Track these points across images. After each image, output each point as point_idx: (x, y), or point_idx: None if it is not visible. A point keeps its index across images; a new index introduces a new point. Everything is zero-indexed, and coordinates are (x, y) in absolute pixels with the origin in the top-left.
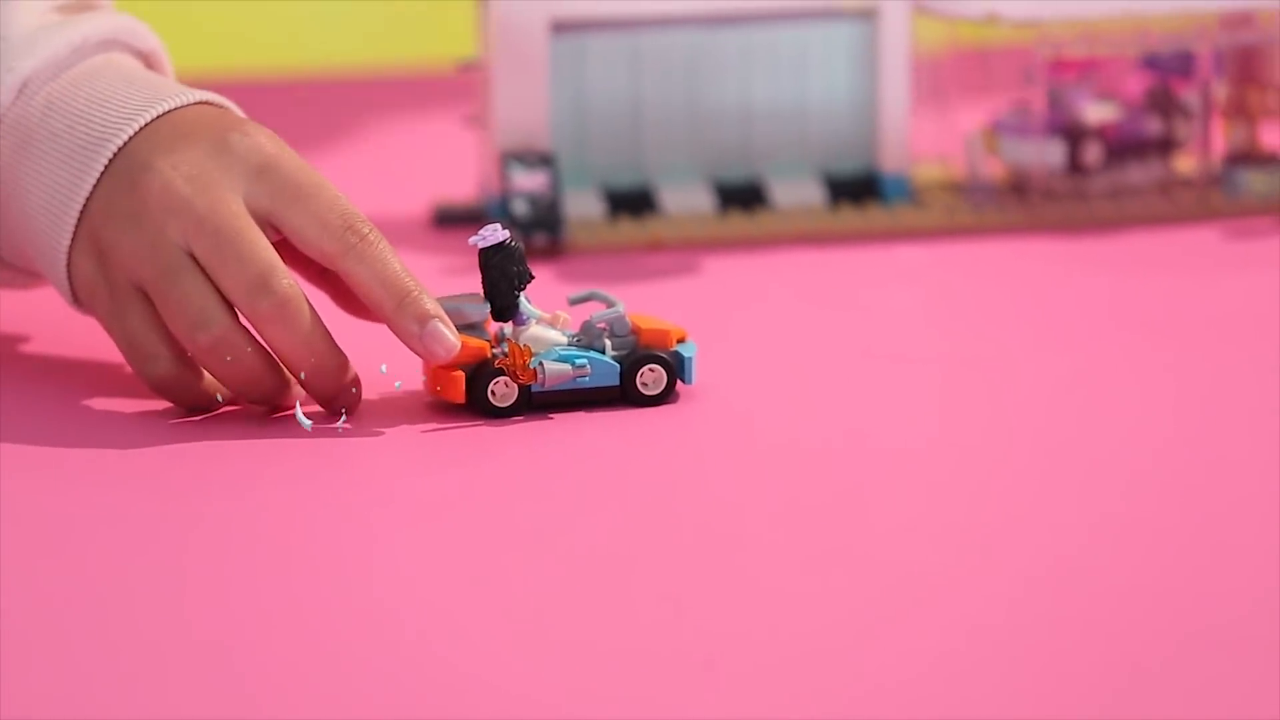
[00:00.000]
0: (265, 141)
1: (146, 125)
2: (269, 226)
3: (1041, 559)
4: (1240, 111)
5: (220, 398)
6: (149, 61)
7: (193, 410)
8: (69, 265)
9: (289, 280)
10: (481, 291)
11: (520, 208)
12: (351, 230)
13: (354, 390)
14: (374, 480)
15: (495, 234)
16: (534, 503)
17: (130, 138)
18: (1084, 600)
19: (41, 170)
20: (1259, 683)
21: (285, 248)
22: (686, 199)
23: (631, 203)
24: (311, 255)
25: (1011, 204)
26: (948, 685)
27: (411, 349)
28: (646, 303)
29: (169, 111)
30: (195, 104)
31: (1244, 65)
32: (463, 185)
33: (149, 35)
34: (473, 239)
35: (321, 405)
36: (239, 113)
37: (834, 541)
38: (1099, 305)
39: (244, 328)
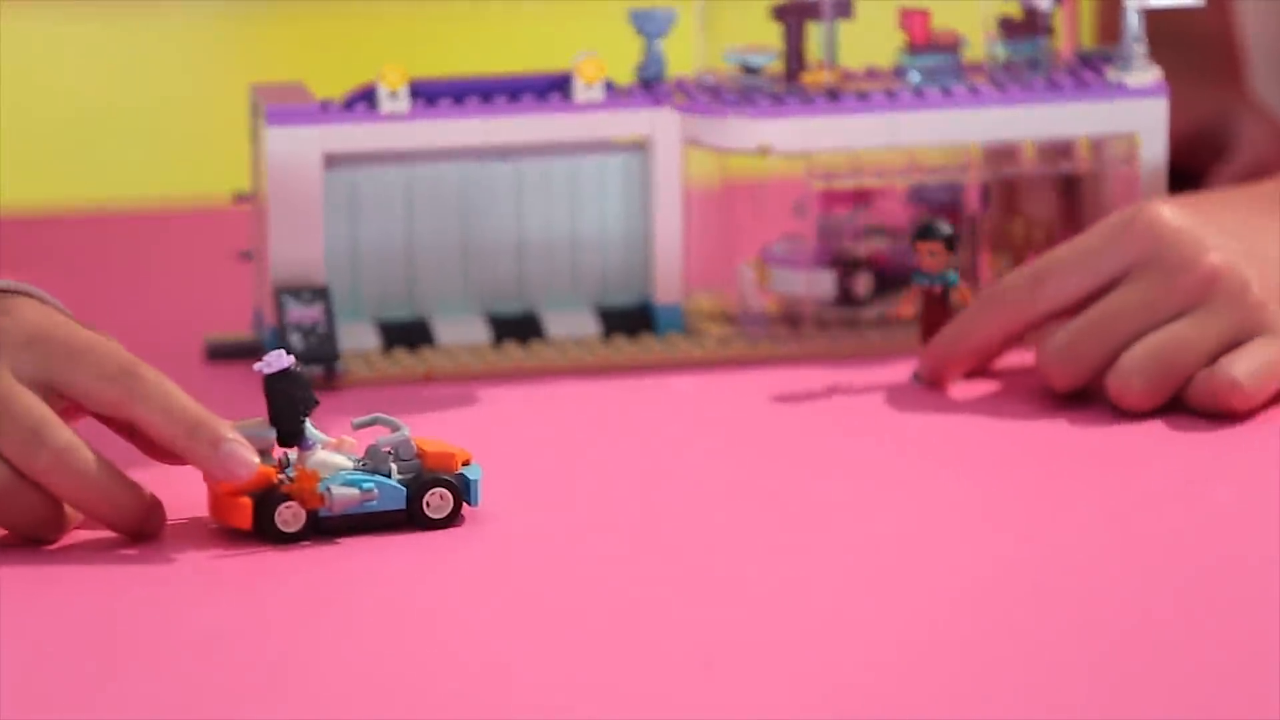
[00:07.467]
0: (31, 314)
1: None
2: (53, 395)
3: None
4: (1005, 243)
5: None
6: None
7: None
8: None
9: (66, 431)
10: (266, 417)
11: (295, 341)
12: (130, 374)
13: (158, 515)
14: (158, 608)
15: (280, 360)
16: (326, 628)
17: None
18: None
19: None
20: None
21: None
22: (461, 331)
23: (406, 335)
24: (98, 409)
25: (784, 334)
26: None
27: (211, 474)
28: (424, 433)
29: None
30: None
31: (1008, 198)
32: (236, 320)
33: None
34: (258, 365)
35: (128, 538)
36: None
37: (620, 662)
38: (871, 432)
39: (20, 478)
